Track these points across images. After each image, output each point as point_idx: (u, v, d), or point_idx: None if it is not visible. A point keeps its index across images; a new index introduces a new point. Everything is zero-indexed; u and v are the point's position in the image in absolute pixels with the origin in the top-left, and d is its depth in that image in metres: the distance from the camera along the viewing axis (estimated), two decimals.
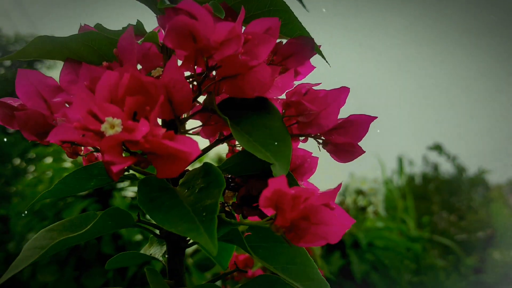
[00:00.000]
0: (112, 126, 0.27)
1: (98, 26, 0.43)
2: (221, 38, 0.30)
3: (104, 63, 0.33)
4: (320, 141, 0.38)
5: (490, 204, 3.79)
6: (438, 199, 4.58)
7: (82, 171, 0.38)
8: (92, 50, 0.37)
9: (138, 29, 0.43)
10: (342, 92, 0.36)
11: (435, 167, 4.80)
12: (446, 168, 4.99)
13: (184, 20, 0.29)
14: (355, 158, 0.36)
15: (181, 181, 0.35)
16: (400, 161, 3.69)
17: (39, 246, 0.33)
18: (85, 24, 0.42)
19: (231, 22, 0.30)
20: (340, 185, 0.30)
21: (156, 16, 0.35)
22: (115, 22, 0.45)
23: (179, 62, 0.35)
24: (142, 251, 0.45)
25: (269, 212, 0.37)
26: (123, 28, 0.43)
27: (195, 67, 0.35)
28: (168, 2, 0.30)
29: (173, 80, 0.33)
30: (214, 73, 0.36)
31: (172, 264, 0.38)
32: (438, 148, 4.30)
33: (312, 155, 0.41)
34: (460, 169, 4.63)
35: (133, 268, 1.57)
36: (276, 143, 0.34)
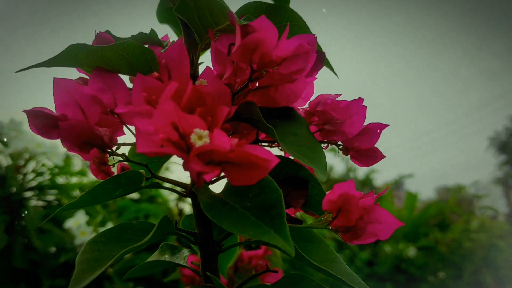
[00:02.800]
0: (200, 137, 0.28)
1: (108, 33, 0.43)
2: (285, 54, 0.32)
3: (156, 73, 0.34)
4: (341, 147, 0.41)
5: (380, 201, 4.08)
6: None
7: (111, 181, 0.37)
8: (124, 59, 0.37)
9: (151, 37, 0.44)
10: (361, 102, 0.40)
11: (330, 168, 5.07)
12: (341, 168, 5.30)
13: (260, 37, 0.30)
14: (377, 162, 0.40)
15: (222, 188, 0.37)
16: None
17: (92, 258, 0.32)
18: (100, 31, 0.41)
19: (296, 39, 0.32)
20: (387, 188, 0.34)
21: (209, 30, 0.36)
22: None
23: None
24: (151, 259, 0.44)
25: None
26: (132, 36, 0.43)
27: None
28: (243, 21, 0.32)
29: (218, 90, 0.34)
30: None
31: (207, 269, 0.39)
32: (333, 150, 4.54)
33: None
34: (351, 169, 4.95)
35: (47, 282, 1.48)
36: (311, 150, 0.37)
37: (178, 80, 0.34)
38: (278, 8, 0.41)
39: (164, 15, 0.50)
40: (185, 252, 0.44)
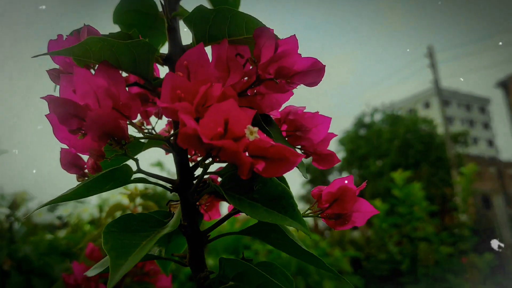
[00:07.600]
0: (252, 132, 0.32)
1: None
2: (301, 68, 0.37)
3: (180, 73, 0.36)
4: (303, 151, 0.47)
5: None
6: None
7: (107, 174, 0.38)
8: (132, 56, 0.38)
9: (131, 38, 0.45)
10: (318, 114, 0.47)
11: None
12: None
13: (289, 52, 0.35)
14: (334, 165, 0.47)
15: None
16: None
17: (118, 246, 0.33)
18: (89, 25, 0.41)
19: (311, 57, 0.38)
20: (365, 182, 0.41)
21: (224, 39, 0.39)
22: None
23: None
24: None
25: None
26: (110, 33, 0.44)
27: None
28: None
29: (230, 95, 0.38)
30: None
31: (195, 258, 0.41)
32: (159, 164, 4.57)
33: None
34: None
35: None
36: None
37: (200, 82, 0.37)
38: None
39: (122, 17, 0.51)
40: (156, 248, 0.45)
